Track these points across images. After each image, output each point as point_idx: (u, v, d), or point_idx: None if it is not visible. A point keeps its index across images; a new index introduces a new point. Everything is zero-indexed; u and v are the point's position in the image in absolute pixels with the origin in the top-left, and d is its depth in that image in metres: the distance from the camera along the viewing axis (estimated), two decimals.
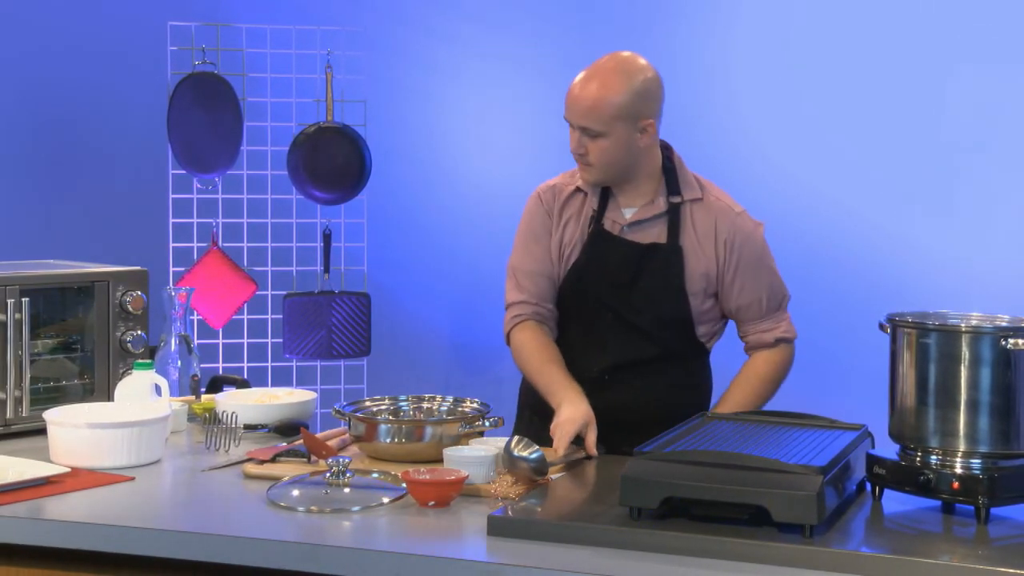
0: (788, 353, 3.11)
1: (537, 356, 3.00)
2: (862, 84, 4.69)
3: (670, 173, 3.03)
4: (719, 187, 3.11)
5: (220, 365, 4.74)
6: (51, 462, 2.59)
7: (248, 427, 2.96)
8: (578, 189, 3.05)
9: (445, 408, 2.89)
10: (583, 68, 2.97)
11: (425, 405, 2.91)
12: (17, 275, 3.02)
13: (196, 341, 3.30)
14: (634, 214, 3.00)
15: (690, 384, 3.09)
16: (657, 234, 2.99)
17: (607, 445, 2.81)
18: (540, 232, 3.06)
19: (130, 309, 3.14)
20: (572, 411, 2.77)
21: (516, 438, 2.51)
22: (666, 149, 3.05)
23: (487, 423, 2.71)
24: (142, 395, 2.87)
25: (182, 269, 4.69)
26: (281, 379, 4.74)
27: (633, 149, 2.94)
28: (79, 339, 3.16)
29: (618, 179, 2.98)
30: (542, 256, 3.05)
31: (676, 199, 3.00)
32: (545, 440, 2.73)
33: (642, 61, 2.97)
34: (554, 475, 2.54)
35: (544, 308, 3.05)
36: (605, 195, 3.02)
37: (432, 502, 2.34)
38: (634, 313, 2.98)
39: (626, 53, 2.98)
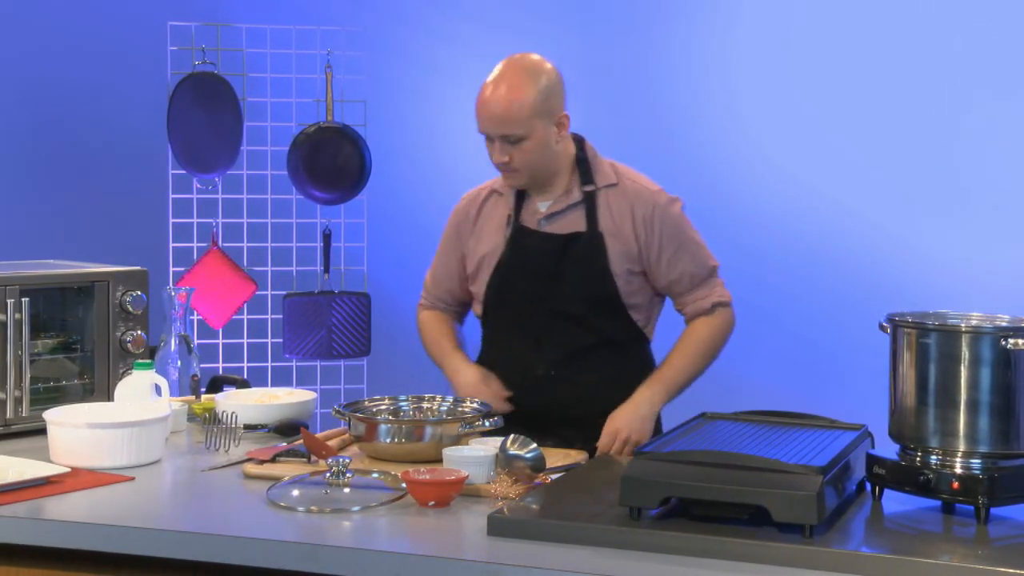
0: (726, 317, 3.12)
1: (431, 331, 3.23)
2: (862, 84, 4.69)
3: (583, 163, 3.06)
4: (636, 171, 3.14)
5: (220, 365, 4.74)
6: (51, 462, 2.59)
7: (248, 427, 2.96)
8: (493, 191, 3.13)
9: (445, 408, 2.89)
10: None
11: (425, 405, 2.91)
12: (17, 275, 3.02)
13: (196, 341, 3.30)
14: (549, 207, 3.05)
15: (636, 372, 3.09)
16: (575, 223, 3.03)
17: (563, 441, 2.87)
18: (449, 242, 3.20)
19: (130, 310, 3.14)
20: (467, 375, 3.04)
21: (512, 437, 2.51)
22: (579, 140, 3.09)
23: (487, 423, 2.72)
24: (142, 395, 2.87)
25: (182, 269, 4.69)
26: (281, 379, 4.74)
27: (552, 145, 2.99)
28: (79, 339, 3.16)
29: (542, 178, 3.04)
30: (447, 263, 3.20)
31: (590, 187, 3.04)
32: None
33: (538, 57, 3.03)
34: (553, 475, 2.54)
35: (441, 304, 3.25)
36: (520, 193, 3.08)
37: (432, 502, 2.34)
38: (564, 301, 3.02)
39: (520, 54, 3.03)
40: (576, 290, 3.00)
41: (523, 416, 2.96)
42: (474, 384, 3.02)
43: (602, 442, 2.92)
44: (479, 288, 3.12)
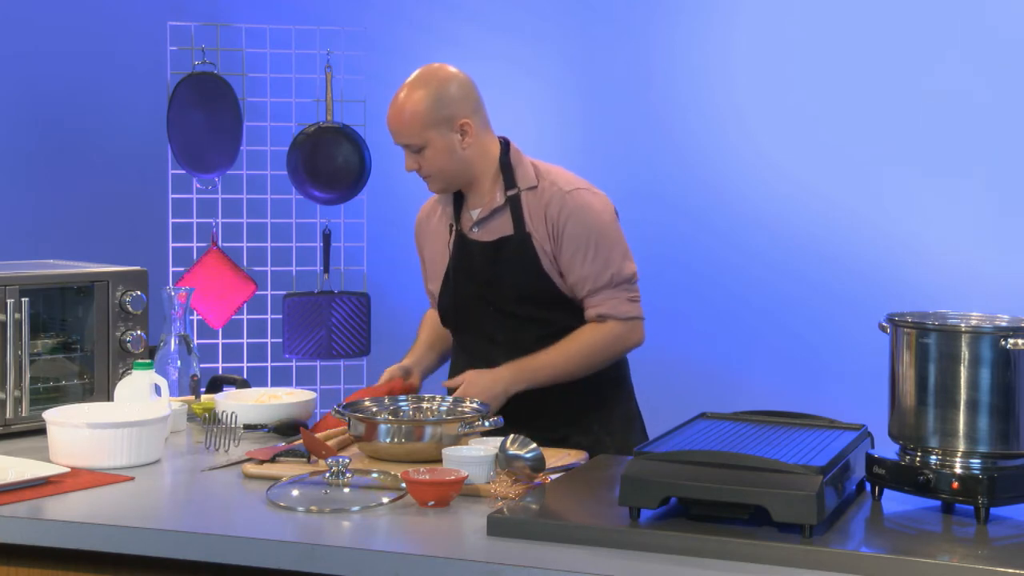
0: (618, 330, 3.06)
1: (423, 326, 3.37)
2: (862, 84, 4.69)
3: (506, 167, 3.09)
4: (565, 171, 3.14)
5: (220, 365, 4.74)
6: (51, 462, 2.59)
7: (248, 427, 2.96)
8: (438, 202, 3.21)
9: (444, 408, 2.89)
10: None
11: (425, 405, 2.91)
12: (17, 275, 3.02)
13: (196, 341, 3.30)
14: (479, 213, 3.10)
15: None
16: (503, 227, 3.07)
17: (536, 432, 2.78)
18: (418, 250, 3.31)
19: (130, 310, 3.14)
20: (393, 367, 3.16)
21: (512, 436, 2.51)
22: (504, 143, 3.13)
23: (486, 423, 2.71)
24: (142, 395, 2.87)
25: (182, 269, 4.69)
26: (281, 379, 4.74)
27: (458, 152, 3.02)
28: (79, 339, 3.16)
29: (459, 183, 3.09)
30: (423, 271, 3.32)
31: (513, 191, 3.07)
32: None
33: (438, 65, 3.07)
34: (553, 475, 2.53)
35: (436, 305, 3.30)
36: (458, 202, 3.14)
37: (432, 502, 2.34)
38: (506, 302, 3.08)
39: (426, 65, 3.07)
40: (514, 291, 3.06)
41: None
42: (388, 372, 3.15)
43: (451, 382, 3.04)
44: (434, 297, 3.23)
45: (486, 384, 2.98)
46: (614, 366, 3.15)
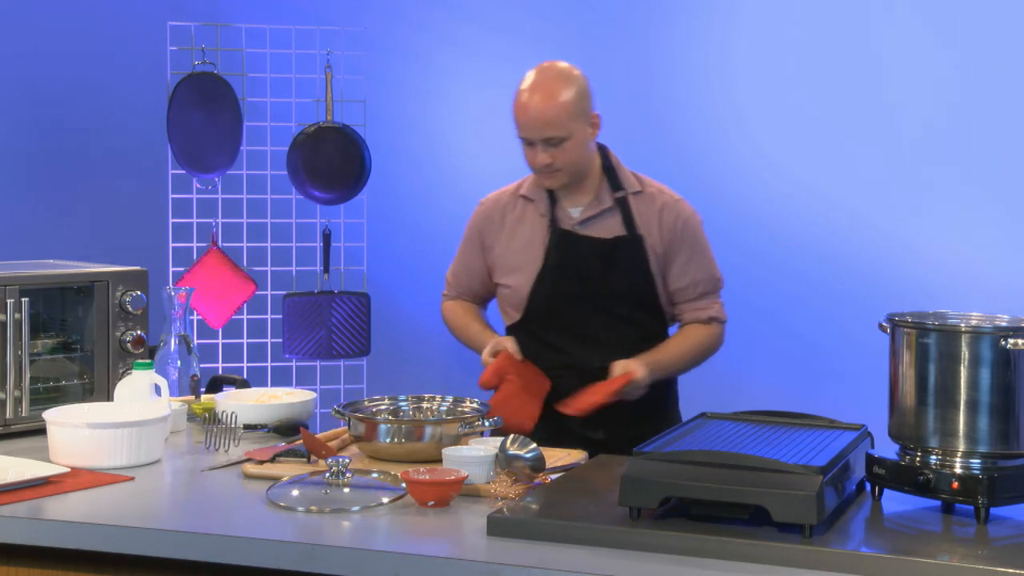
0: (719, 332, 3.27)
1: (458, 316, 3.33)
2: (862, 84, 4.69)
3: (610, 171, 3.19)
4: (656, 181, 3.27)
5: (220, 365, 4.74)
6: (51, 462, 2.59)
7: (248, 427, 2.96)
8: (521, 196, 3.22)
9: (444, 408, 2.89)
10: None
11: (424, 405, 2.91)
12: (17, 275, 3.02)
13: (196, 341, 3.30)
14: (582, 212, 3.15)
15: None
16: (611, 227, 3.15)
17: (614, 431, 3.04)
18: (472, 244, 3.28)
19: (130, 310, 3.14)
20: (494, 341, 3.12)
21: (512, 436, 2.51)
22: (603, 149, 3.21)
23: (486, 423, 2.72)
24: (142, 395, 2.87)
25: (182, 269, 4.69)
26: (281, 379, 4.74)
27: (588, 145, 3.12)
28: (79, 339, 3.16)
29: (580, 178, 3.14)
30: (469, 265, 3.29)
31: (620, 193, 3.17)
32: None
33: (562, 63, 3.14)
34: (553, 475, 2.54)
35: (466, 297, 3.35)
36: (551, 199, 3.17)
37: (432, 502, 2.34)
38: (614, 301, 3.14)
39: (549, 62, 3.14)
40: (622, 290, 3.13)
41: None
42: (496, 344, 3.11)
43: (615, 372, 3.04)
44: (516, 292, 3.18)
45: (645, 373, 3.05)
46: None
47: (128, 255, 3.57)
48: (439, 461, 2.53)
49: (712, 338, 3.24)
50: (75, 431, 2.61)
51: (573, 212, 3.16)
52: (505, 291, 3.22)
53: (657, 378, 3.11)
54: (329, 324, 4.74)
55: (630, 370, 3.03)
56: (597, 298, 3.14)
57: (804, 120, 4.78)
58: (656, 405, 3.19)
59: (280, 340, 4.76)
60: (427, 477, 2.37)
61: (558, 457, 2.70)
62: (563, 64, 3.13)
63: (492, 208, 3.26)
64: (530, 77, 3.09)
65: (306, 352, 4.74)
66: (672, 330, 3.29)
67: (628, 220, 3.14)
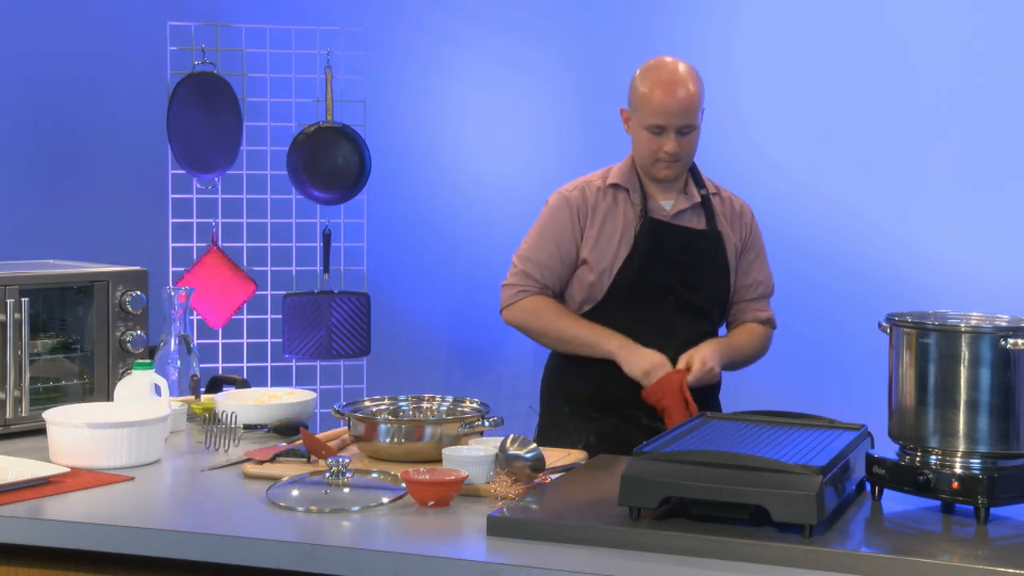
0: (771, 336, 3.40)
1: (565, 313, 3.24)
2: (862, 84, 4.69)
3: (694, 171, 3.33)
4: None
5: (220, 365, 4.74)
6: (51, 462, 2.59)
7: (248, 427, 2.96)
8: (613, 186, 3.26)
9: (444, 408, 2.89)
10: (656, 71, 3.23)
11: (424, 405, 2.91)
12: (17, 275, 3.02)
13: (196, 341, 3.30)
14: (673, 205, 3.26)
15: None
16: (696, 222, 3.27)
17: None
18: (563, 230, 3.25)
19: (130, 310, 3.14)
20: (654, 357, 3.13)
21: (512, 436, 2.51)
22: None
23: (486, 423, 2.71)
24: (142, 395, 2.87)
25: (182, 269, 4.69)
26: (281, 379, 4.74)
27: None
28: (79, 339, 3.16)
29: (685, 171, 3.28)
30: (559, 250, 3.25)
31: (703, 191, 3.31)
32: (570, 433, 3.16)
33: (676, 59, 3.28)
34: (553, 475, 2.54)
35: (548, 291, 3.27)
36: (643, 191, 3.26)
37: (431, 502, 2.34)
38: (693, 293, 3.24)
39: (669, 57, 3.26)
40: (701, 283, 3.24)
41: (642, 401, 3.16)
42: (662, 363, 3.14)
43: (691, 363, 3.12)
44: (601, 276, 3.22)
45: (718, 362, 3.15)
46: None
47: (128, 255, 3.57)
48: (439, 461, 2.53)
49: (766, 340, 3.36)
50: (75, 431, 2.61)
51: (665, 205, 3.25)
52: (588, 276, 3.23)
53: (724, 370, 3.23)
54: (329, 324, 4.74)
55: (706, 361, 3.12)
56: (679, 287, 3.22)
57: (804, 120, 4.78)
58: (715, 396, 3.30)
59: (280, 340, 4.76)
60: (427, 477, 2.37)
61: (558, 457, 2.70)
62: (676, 59, 3.25)
63: (582, 195, 3.27)
64: (664, 66, 3.20)
65: (306, 352, 4.74)
66: (722, 331, 3.37)
67: (710, 217, 3.26)
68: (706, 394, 3.21)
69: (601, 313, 3.23)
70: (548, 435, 3.22)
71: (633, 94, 3.23)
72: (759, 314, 3.35)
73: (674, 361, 3.15)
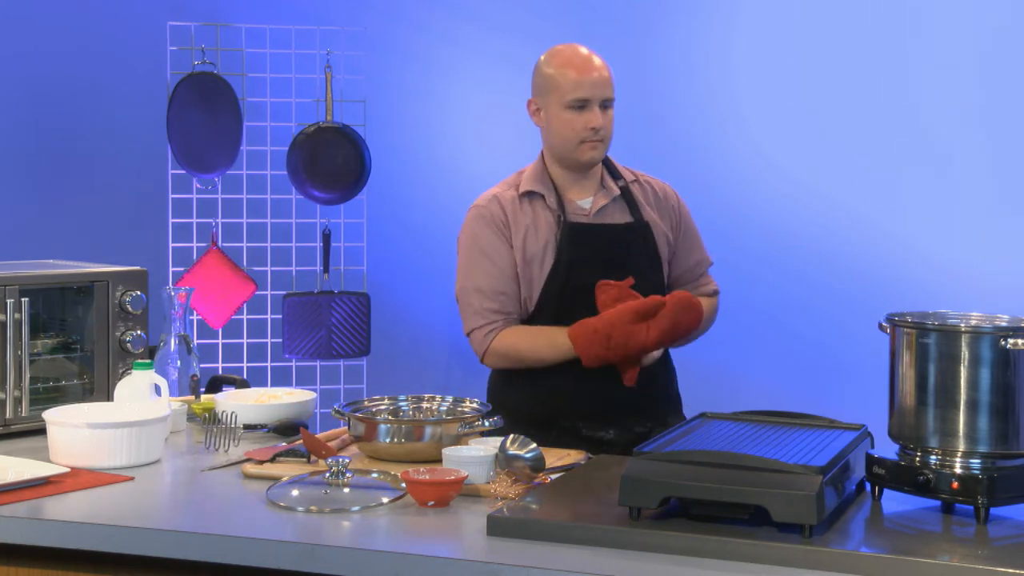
0: (716, 305, 3.32)
1: (530, 338, 3.07)
2: (862, 84, 4.69)
3: (606, 161, 3.21)
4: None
5: (220, 365, 4.74)
6: (51, 462, 2.59)
7: (248, 427, 2.96)
8: (527, 193, 3.13)
9: (444, 408, 2.89)
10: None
11: (424, 405, 2.91)
12: (17, 275, 3.02)
13: (196, 341, 3.30)
14: (593, 203, 3.15)
15: (667, 357, 3.26)
16: (621, 216, 3.16)
17: (624, 429, 3.06)
18: (490, 248, 3.10)
19: (130, 309, 3.14)
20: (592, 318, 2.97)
21: (512, 436, 2.51)
22: None
23: (486, 423, 2.71)
24: (142, 395, 2.87)
25: (182, 269, 4.69)
26: (281, 379, 4.74)
27: None
28: (79, 339, 3.16)
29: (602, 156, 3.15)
30: (498, 272, 3.09)
31: (621, 182, 3.19)
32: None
33: None
34: (553, 475, 2.54)
35: (514, 316, 3.11)
36: (557, 193, 3.14)
37: (431, 502, 2.34)
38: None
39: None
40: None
41: (588, 408, 3.08)
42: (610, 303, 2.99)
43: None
44: (529, 291, 3.10)
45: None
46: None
47: (128, 255, 3.57)
48: (439, 461, 2.52)
49: (715, 309, 3.30)
50: (75, 431, 2.61)
51: (584, 204, 3.14)
52: (505, 298, 3.11)
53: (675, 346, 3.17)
54: (329, 324, 4.74)
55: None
56: None
57: (804, 120, 4.78)
58: (660, 402, 3.19)
59: (280, 340, 4.76)
60: (427, 477, 2.37)
61: (558, 457, 2.70)
62: None
63: (496, 207, 3.13)
64: (568, 47, 3.12)
65: (306, 352, 4.74)
66: None
67: (634, 208, 3.16)
68: (663, 382, 3.19)
69: (536, 322, 3.10)
70: None
71: (543, 78, 3.10)
72: (705, 288, 3.27)
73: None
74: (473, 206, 3.19)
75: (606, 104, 3.08)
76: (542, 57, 3.16)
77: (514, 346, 3.07)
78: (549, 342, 3.04)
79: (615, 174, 3.20)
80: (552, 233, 3.10)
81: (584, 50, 3.11)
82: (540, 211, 3.13)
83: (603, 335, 2.94)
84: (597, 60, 3.09)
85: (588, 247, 3.09)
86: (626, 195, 3.17)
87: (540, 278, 3.09)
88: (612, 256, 3.09)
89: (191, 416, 3.05)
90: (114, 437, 2.60)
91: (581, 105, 3.05)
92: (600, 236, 3.11)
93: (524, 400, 3.12)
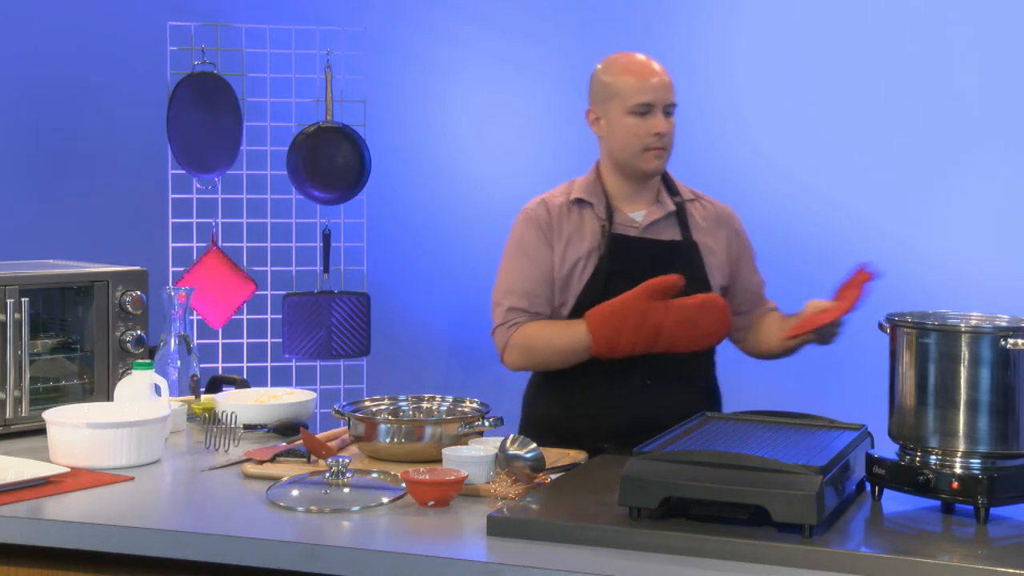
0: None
1: (554, 323, 2.99)
2: (862, 84, 4.69)
3: (665, 176, 3.14)
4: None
5: (220, 365, 4.74)
6: (51, 462, 2.59)
7: (248, 427, 2.96)
8: (577, 201, 3.06)
9: (444, 408, 2.89)
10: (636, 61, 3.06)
11: (424, 405, 2.91)
12: (17, 275, 3.02)
13: (196, 341, 3.30)
14: (645, 216, 3.06)
15: (704, 389, 3.13)
16: (671, 233, 3.07)
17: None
18: (536, 249, 3.05)
19: (129, 309, 3.14)
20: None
21: (512, 436, 2.51)
22: None
23: (486, 423, 2.71)
24: (142, 395, 2.87)
25: (182, 269, 4.69)
26: (281, 379, 4.74)
27: None
28: (79, 339, 3.16)
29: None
30: (536, 275, 3.03)
31: (678, 199, 3.11)
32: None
33: None
34: (553, 475, 2.54)
35: (544, 317, 3.03)
36: (608, 205, 3.06)
37: (431, 502, 2.34)
38: None
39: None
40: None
41: (609, 428, 2.95)
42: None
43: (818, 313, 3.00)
44: (565, 295, 3.03)
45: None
46: (714, 381, 3.22)
47: (128, 255, 3.57)
48: (439, 461, 2.53)
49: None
50: (75, 431, 2.61)
51: (636, 217, 3.05)
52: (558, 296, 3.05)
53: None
54: (329, 324, 4.74)
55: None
56: None
57: (804, 120, 4.78)
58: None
59: (280, 340, 4.76)
60: (427, 477, 2.37)
61: (558, 457, 2.70)
62: None
63: (546, 211, 3.06)
64: (627, 54, 3.05)
65: (306, 352, 4.74)
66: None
67: (684, 226, 3.07)
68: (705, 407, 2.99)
69: None
70: None
71: (602, 86, 3.04)
72: (770, 305, 3.22)
73: (637, 387, 2.96)
74: (522, 211, 3.12)
75: (669, 110, 3.01)
76: (599, 66, 3.08)
77: (530, 336, 2.99)
78: (565, 328, 2.96)
79: (673, 190, 3.12)
80: (596, 242, 3.02)
81: (642, 56, 3.04)
82: (588, 219, 3.05)
83: (619, 314, 2.85)
84: (657, 65, 3.02)
85: (629, 260, 3.00)
86: (680, 213, 3.08)
87: (578, 286, 3.01)
88: (653, 272, 2.92)
89: (191, 416, 3.05)
90: (114, 437, 2.60)
91: (644, 111, 2.98)
92: (644, 250, 3.02)
93: (544, 415, 3.07)
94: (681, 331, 2.87)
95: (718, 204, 3.18)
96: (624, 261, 3.01)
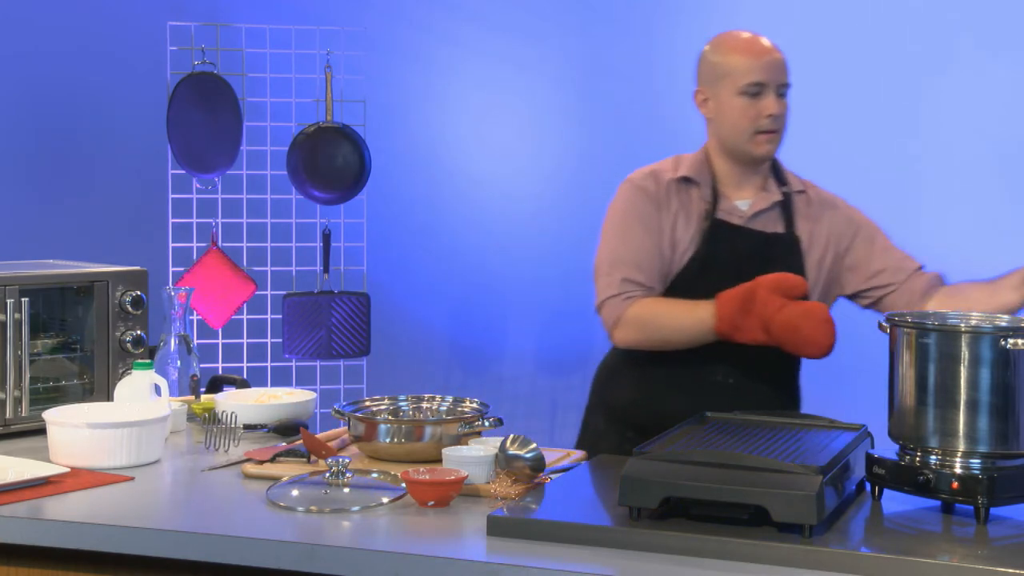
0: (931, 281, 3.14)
1: (677, 300, 2.84)
2: (863, 84, 4.69)
3: (775, 163, 3.01)
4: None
5: (220, 365, 4.74)
6: (51, 462, 2.59)
7: (248, 427, 2.96)
8: (684, 179, 2.93)
9: (444, 408, 2.88)
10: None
11: (424, 405, 2.91)
12: (17, 275, 3.02)
13: (196, 341, 3.30)
14: (751, 205, 2.94)
15: (788, 394, 3.04)
16: (774, 225, 2.94)
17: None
18: (649, 219, 2.88)
19: (130, 310, 3.13)
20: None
21: (512, 436, 2.51)
22: None
23: (486, 423, 2.71)
24: (142, 395, 2.87)
25: (182, 269, 4.69)
26: (281, 379, 4.74)
27: None
28: (79, 339, 3.16)
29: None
30: (650, 246, 2.88)
31: (785, 188, 2.98)
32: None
33: None
34: (553, 475, 2.54)
35: (655, 292, 2.88)
36: (714, 189, 2.93)
37: (431, 502, 2.34)
38: None
39: None
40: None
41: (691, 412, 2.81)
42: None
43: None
44: (663, 276, 2.91)
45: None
46: (797, 382, 3.11)
47: (128, 255, 3.57)
48: (439, 461, 2.52)
49: (930, 284, 3.10)
50: (75, 431, 2.61)
51: (741, 205, 2.92)
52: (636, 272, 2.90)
53: None
54: (329, 324, 4.74)
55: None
56: None
57: (804, 120, 4.76)
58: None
59: (280, 340, 4.76)
60: (427, 477, 2.37)
61: (558, 457, 2.70)
62: None
63: (656, 184, 2.91)
64: (738, 32, 2.94)
65: (306, 352, 4.74)
66: None
67: (788, 219, 2.94)
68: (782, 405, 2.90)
69: None
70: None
71: (711, 66, 2.92)
72: (928, 277, 3.06)
73: (719, 384, 2.85)
74: (627, 180, 2.95)
75: (782, 91, 2.88)
76: (707, 46, 2.97)
77: (652, 313, 2.83)
78: (690, 308, 2.80)
79: (781, 179, 2.98)
80: (699, 227, 2.89)
81: (753, 34, 2.92)
82: (694, 200, 2.91)
83: (747, 296, 2.71)
84: (768, 43, 2.89)
85: (728, 250, 2.88)
86: (786, 203, 2.95)
87: (674, 269, 2.89)
88: (749, 264, 2.82)
89: (191, 416, 3.05)
90: (114, 437, 2.60)
91: (756, 91, 2.87)
92: (743, 241, 2.89)
93: (621, 398, 2.98)
94: (784, 334, 2.74)
95: (823, 192, 3.03)
96: (721, 250, 2.88)
